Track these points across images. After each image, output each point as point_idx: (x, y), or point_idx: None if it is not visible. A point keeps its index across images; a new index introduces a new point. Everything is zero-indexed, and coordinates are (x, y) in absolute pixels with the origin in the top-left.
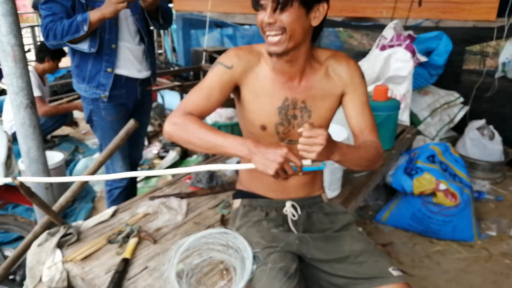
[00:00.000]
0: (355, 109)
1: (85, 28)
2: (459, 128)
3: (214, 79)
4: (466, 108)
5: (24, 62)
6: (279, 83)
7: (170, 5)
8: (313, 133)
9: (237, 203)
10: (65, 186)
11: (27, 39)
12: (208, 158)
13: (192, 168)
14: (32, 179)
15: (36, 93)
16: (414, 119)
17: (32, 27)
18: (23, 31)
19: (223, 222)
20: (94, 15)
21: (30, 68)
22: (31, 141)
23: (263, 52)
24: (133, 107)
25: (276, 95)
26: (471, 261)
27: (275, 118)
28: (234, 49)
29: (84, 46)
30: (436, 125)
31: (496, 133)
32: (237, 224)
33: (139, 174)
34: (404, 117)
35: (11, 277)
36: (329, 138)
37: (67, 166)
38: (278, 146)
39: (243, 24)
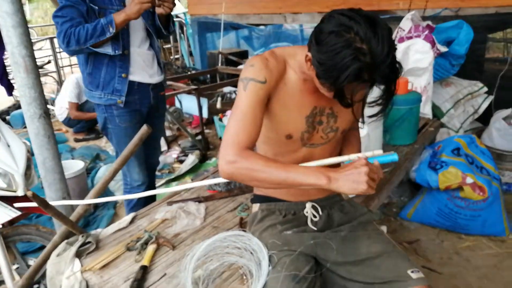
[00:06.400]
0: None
1: (111, 30)
2: (484, 119)
3: (253, 98)
4: (491, 98)
5: (36, 72)
6: (308, 93)
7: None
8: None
9: (255, 207)
10: (85, 194)
11: (47, 51)
12: None
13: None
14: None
15: (73, 99)
16: (437, 112)
17: (51, 38)
18: (43, 43)
19: (242, 225)
20: (118, 17)
21: (76, 75)
22: (46, 151)
23: (287, 59)
24: (147, 112)
25: (305, 105)
26: (503, 256)
27: (302, 126)
28: (260, 59)
29: (108, 49)
30: (459, 116)
31: None
32: (252, 229)
33: (160, 191)
34: (426, 110)
35: (35, 286)
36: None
37: (88, 174)
38: (353, 166)
39: (258, 25)
